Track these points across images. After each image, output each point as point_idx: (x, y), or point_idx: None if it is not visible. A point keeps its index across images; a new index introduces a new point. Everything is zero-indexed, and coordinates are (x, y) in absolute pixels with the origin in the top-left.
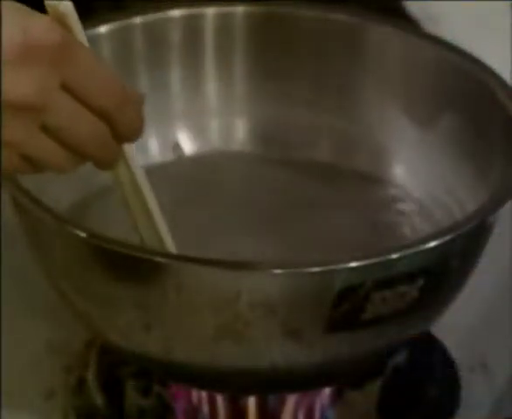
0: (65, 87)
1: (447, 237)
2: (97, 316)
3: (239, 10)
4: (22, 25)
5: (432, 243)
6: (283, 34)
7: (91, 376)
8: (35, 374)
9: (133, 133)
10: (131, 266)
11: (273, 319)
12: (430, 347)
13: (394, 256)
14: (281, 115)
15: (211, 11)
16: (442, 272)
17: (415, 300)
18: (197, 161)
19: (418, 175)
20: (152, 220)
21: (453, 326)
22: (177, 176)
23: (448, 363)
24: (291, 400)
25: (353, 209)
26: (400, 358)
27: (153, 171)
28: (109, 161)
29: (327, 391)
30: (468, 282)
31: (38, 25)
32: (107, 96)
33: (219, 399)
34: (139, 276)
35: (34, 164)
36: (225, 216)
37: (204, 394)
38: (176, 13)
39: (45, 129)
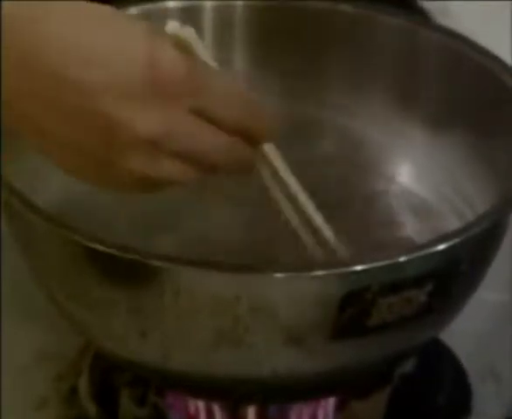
0: (198, 112)
1: (457, 240)
2: (91, 322)
3: (239, 2)
4: (149, 58)
5: (442, 246)
6: (285, 27)
7: (84, 385)
8: (25, 383)
9: (267, 133)
10: (126, 269)
11: (275, 325)
12: (439, 355)
13: (401, 259)
14: (283, 110)
15: (209, 4)
16: (452, 277)
17: (423, 306)
18: None
19: (426, 174)
20: (309, 221)
21: (463, 332)
22: None
23: (458, 371)
24: (293, 410)
25: (357, 210)
26: (408, 366)
27: None
28: (247, 166)
29: (331, 401)
30: (479, 287)
31: (165, 58)
32: (239, 114)
33: (218, 409)
34: (134, 280)
35: (155, 186)
36: (224, 215)
37: (201, 403)
38: (173, 5)
39: (172, 153)
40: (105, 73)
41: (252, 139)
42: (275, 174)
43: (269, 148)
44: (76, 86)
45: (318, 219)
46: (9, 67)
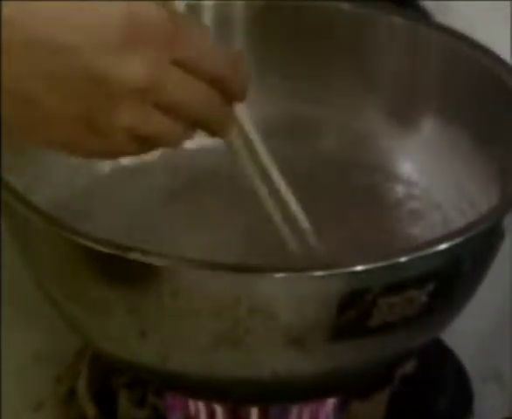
0: (178, 63)
1: (459, 240)
2: (89, 323)
3: (239, 1)
4: (127, 7)
5: (443, 246)
6: (285, 26)
7: (82, 386)
8: (24, 384)
9: (243, 89)
10: (125, 269)
11: (275, 326)
12: (440, 356)
13: (402, 259)
14: (283, 109)
15: (209, 3)
16: (453, 277)
17: (425, 306)
18: (196, 155)
19: (427, 173)
20: (274, 185)
21: (465, 333)
22: (175, 173)
23: (459, 372)
24: (293, 411)
25: (358, 209)
26: (409, 367)
27: (148, 168)
28: (224, 125)
29: (331, 402)
30: (481, 287)
31: (143, 6)
32: (220, 64)
33: (218, 410)
34: (134, 280)
35: (147, 143)
36: (223, 215)
37: (201, 404)
38: None
39: (159, 106)
40: (86, 32)
41: (228, 95)
42: (247, 142)
43: (241, 112)
44: (62, 51)
45: (295, 207)
46: (6, 50)
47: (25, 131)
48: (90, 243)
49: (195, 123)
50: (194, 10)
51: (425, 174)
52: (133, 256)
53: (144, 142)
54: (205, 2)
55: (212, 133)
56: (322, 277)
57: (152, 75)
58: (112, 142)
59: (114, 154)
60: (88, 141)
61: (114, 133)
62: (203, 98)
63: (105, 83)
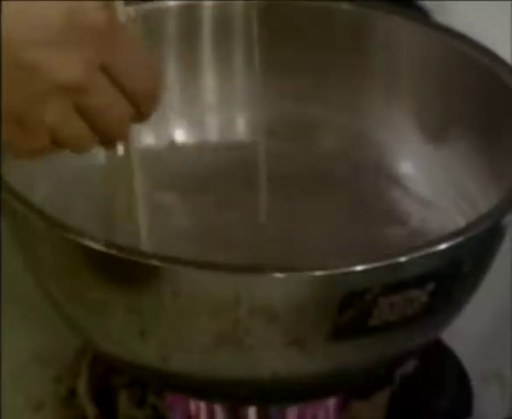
0: (105, 69)
1: (459, 240)
2: (89, 323)
3: (239, 1)
4: (69, 4)
5: (443, 246)
6: (285, 25)
7: (82, 386)
8: (24, 384)
9: (149, 113)
10: (125, 270)
11: (275, 327)
12: (441, 356)
13: (403, 259)
14: (283, 110)
15: (209, 3)
16: (453, 276)
17: (425, 306)
18: (195, 154)
19: (427, 173)
20: (133, 209)
21: (465, 333)
22: (174, 171)
23: (459, 372)
24: (293, 411)
25: (358, 208)
26: (409, 367)
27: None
28: (119, 140)
29: (331, 402)
30: (481, 287)
31: (85, 5)
32: (145, 83)
33: (218, 410)
34: (133, 280)
35: (59, 144)
36: (221, 212)
37: (201, 404)
38: (172, 4)
39: (80, 111)
40: (26, 24)
41: (136, 113)
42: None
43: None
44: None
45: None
46: None
47: None
48: (91, 244)
49: (104, 133)
50: (194, 10)
51: (425, 174)
52: (133, 256)
53: (58, 142)
54: (205, 2)
55: (103, 143)
56: (322, 277)
57: (81, 75)
58: (37, 139)
59: (39, 153)
60: (21, 139)
61: (39, 129)
62: (116, 110)
63: (34, 75)
